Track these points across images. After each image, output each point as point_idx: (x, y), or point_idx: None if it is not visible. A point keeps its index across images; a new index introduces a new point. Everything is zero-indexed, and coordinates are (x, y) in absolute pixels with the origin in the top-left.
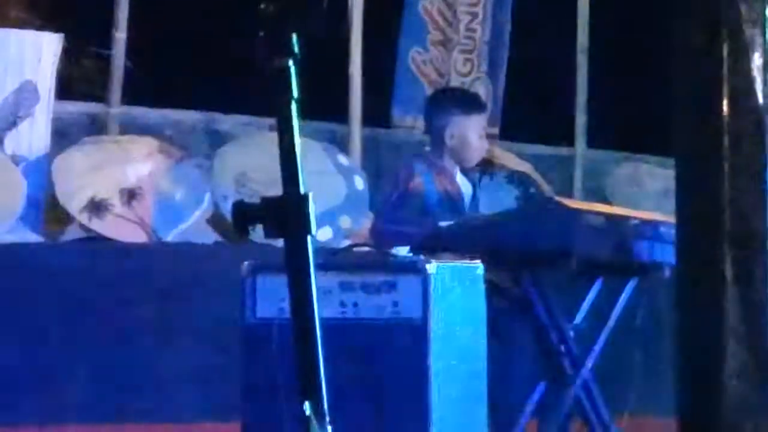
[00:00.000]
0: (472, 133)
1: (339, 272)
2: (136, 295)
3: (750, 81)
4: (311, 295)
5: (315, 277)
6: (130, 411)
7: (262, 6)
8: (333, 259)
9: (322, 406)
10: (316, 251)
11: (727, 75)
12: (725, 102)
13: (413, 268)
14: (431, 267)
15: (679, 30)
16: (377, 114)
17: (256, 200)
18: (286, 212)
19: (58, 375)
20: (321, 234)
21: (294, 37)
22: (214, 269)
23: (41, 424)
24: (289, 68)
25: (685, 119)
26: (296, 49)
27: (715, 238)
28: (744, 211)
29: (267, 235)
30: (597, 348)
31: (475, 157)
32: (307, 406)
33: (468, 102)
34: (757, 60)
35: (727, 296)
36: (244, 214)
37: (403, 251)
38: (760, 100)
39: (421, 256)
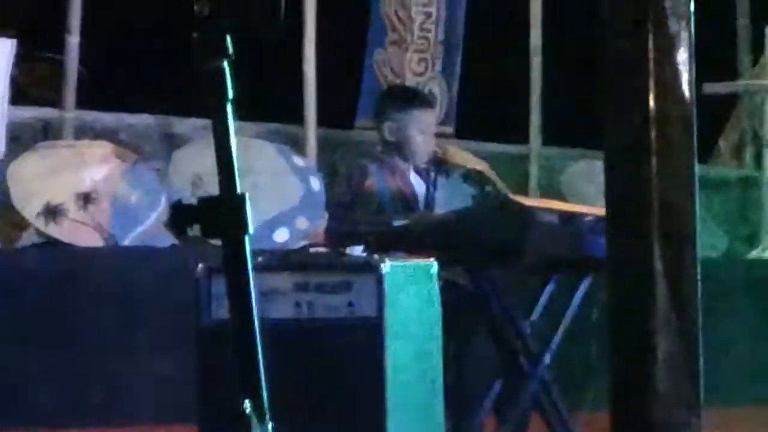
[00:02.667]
0: (413, 128)
1: (293, 273)
2: (93, 300)
3: (676, 74)
4: (250, 294)
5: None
6: (88, 414)
7: (196, 7)
8: (287, 260)
9: (263, 404)
10: (272, 252)
11: (653, 69)
12: (651, 96)
13: (367, 268)
14: (385, 266)
15: (605, 24)
16: (337, 115)
17: None
18: (223, 212)
19: (14, 379)
20: (278, 235)
21: (228, 37)
22: (171, 272)
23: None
24: (224, 69)
25: (613, 113)
26: (231, 49)
27: (644, 231)
28: (672, 204)
29: (204, 235)
30: (553, 344)
31: (420, 154)
32: (247, 404)
33: (406, 98)
34: (682, 54)
35: (657, 289)
36: (182, 214)
37: (357, 251)
38: (687, 93)
39: (375, 256)
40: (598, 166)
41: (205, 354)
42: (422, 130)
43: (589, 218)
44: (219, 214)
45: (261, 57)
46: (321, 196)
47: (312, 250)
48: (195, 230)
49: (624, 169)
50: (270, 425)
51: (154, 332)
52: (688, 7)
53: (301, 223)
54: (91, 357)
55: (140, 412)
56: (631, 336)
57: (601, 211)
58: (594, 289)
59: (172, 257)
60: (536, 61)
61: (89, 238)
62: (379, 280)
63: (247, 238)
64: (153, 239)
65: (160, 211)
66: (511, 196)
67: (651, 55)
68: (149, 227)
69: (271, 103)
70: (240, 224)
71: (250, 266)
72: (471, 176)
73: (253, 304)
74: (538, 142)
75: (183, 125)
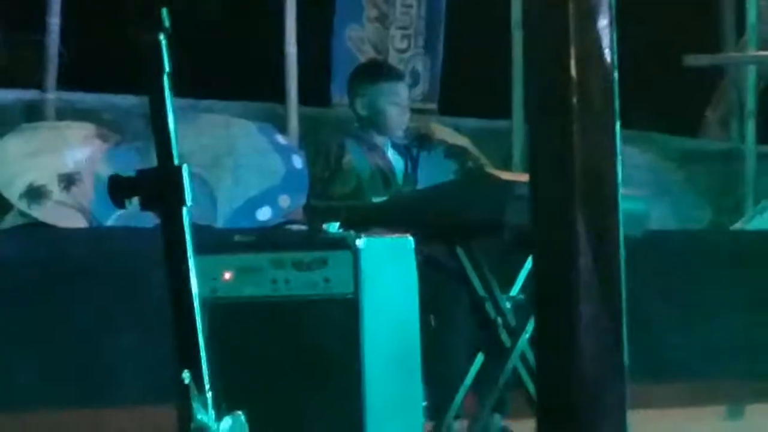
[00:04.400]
0: (383, 101)
1: (270, 250)
2: (76, 281)
3: (598, 40)
4: (187, 266)
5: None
6: (72, 396)
7: None
8: (263, 237)
9: (202, 375)
10: (247, 231)
11: (573, 36)
12: (572, 62)
13: (343, 244)
14: (361, 242)
15: None
16: (316, 93)
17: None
18: (161, 185)
19: (2, 363)
20: (260, 214)
21: (164, 11)
22: (154, 252)
23: None
24: (160, 42)
25: (535, 80)
26: (167, 23)
27: (567, 196)
28: (595, 169)
29: (143, 207)
30: (533, 319)
31: (394, 126)
32: (186, 375)
33: (374, 72)
34: (603, 19)
35: (580, 253)
36: (120, 186)
37: (333, 227)
38: (608, 58)
39: (352, 232)
40: None
41: None
42: (393, 102)
43: None
44: (157, 187)
45: (241, 35)
46: (303, 174)
47: (289, 227)
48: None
49: (546, 134)
50: (209, 395)
51: (138, 313)
52: None
53: (284, 201)
54: (75, 338)
55: (125, 392)
56: (555, 301)
57: None
58: None
59: (155, 238)
60: (518, 36)
61: (72, 220)
62: (355, 255)
63: (185, 210)
64: (136, 220)
65: None
66: (491, 170)
67: (572, 20)
68: (131, 208)
69: (252, 82)
70: (178, 196)
71: (188, 238)
72: (453, 152)
73: (192, 276)
74: (521, 117)
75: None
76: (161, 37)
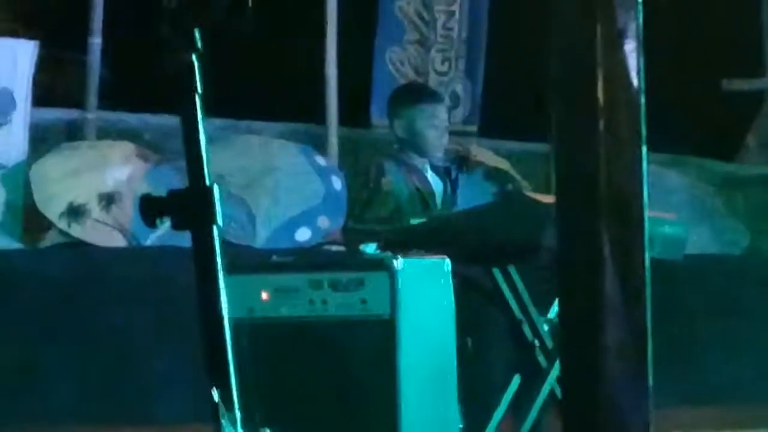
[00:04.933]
0: (421, 123)
1: (307, 270)
2: (116, 300)
3: (625, 65)
4: (218, 285)
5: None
6: (112, 413)
7: (165, 1)
8: (301, 258)
9: (231, 394)
10: (285, 251)
11: (601, 60)
12: (600, 86)
13: (380, 265)
14: (398, 263)
15: (553, 14)
16: (357, 115)
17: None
18: (193, 205)
19: (41, 379)
20: (299, 234)
21: (197, 32)
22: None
23: (26, 427)
24: (193, 63)
25: (562, 104)
26: (199, 43)
27: (593, 219)
28: (621, 193)
29: (175, 227)
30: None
31: (432, 148)
32: (215, 393)
33: (413, 94)
34: (630, 43)
35: (606, 277)
36: (152, 206)
37: (371, 249)
38: (635, 83)
39: (389, 253)
40: None
41: None
42: (432, 124)
43: None
44: (188, 207)
45: (282, 56)
46: (342, 195)
47: (327, 248)
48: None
49: (573, 159)
50: (238, 414)
51: (178, 331)
52: None
53: (323, 222)
54: (115, 357)
55: (166, 410)
56: (580, 324)
57: None
58: None
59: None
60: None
61: (112, 239)
62: (392, 277)
63: (215, 230)
64: (175, 238)
65: None
66: (529, 193)
67: (599, 45)
68: (171, 228)
69: (292, 103)
70: (209, 216)
71: (218, 257)
72: (492, 174)
73: (222, 295)
74: None
75: (206, 125)
76: (194, 57)
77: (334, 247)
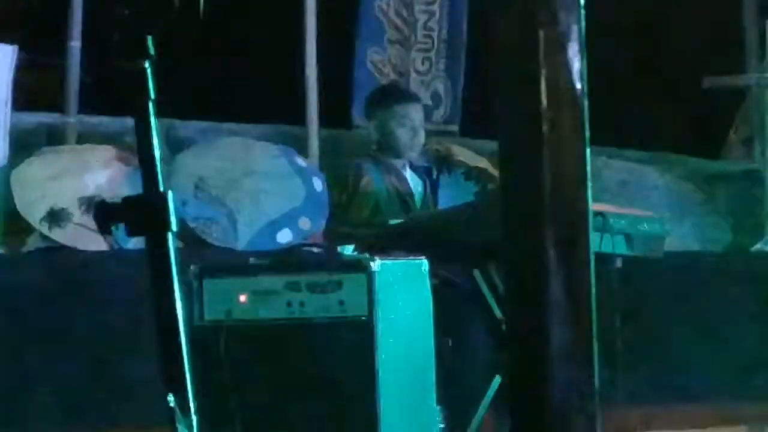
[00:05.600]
0: (394, 123)
1: (285, 273)
2: (98, 303)
3: (567, 68)
4: (173, 291)
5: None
6: (92, 417)
7: (117, 9)
8: (279, 260)
9: (187, 398)
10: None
11: (544, 63)
12: (543, 89)
13: (358, 267)
14: (375, 265)
15: (495, 17)
16: (338, 116)
17: (213, 205)
18: (147, 210)
19: (18, 382)
20: (281, 236)
21: (149, 39)
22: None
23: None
24: (145, 70)
25: (505, 107)
26: (152, 50)
27: (538, 222)
28: (565, 194)
29: (129, 233)
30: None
31: (407, 148)
32: (171, 398)
33: (386, 95)
34: (573, 46)
35: (551, 278)
36: (107, 212)
37: (348, 250)
38: (578, 85)
39: (366, 254)
40: (600, 162)
41: (198, 354)
42: (403, 124)
43: None
44: (142, 213)
45: (262, 58)
46: (324, 196)
47: (306, 249)
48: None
49: (517, 162)
50: (194, 419)
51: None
52: None
53: (304, 223)
54: (96, 360)
55: (147, 413)
56: (526, 323)
57: (596, 206)
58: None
59: (175, 260)
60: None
61: (93, 242)
62: (370, 278)
63: (170, 235)
64: None
65: None
66: None
67: (541, 48)
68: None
69: (274, 105)
70: (163, 222)
71: (173, 263)
72: (473, 174)
73: (177, 300)
74: None
75: (186, 128)
76: (146, 64)
77: (313, 249)
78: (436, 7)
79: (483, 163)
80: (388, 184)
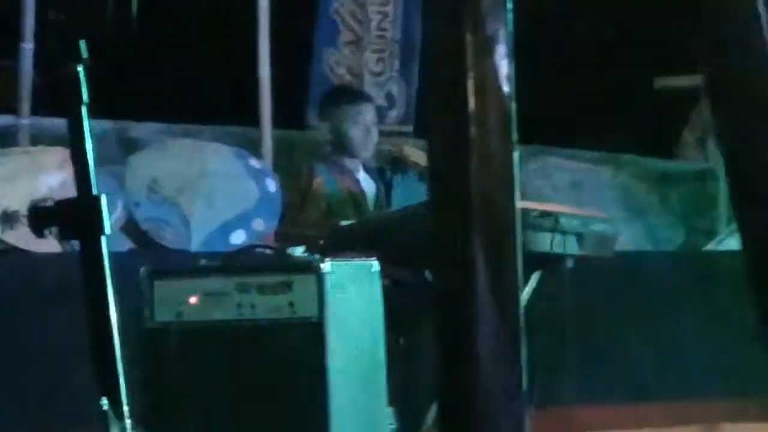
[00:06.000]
0: (346, 123)
1: (235, 274)
2: (51, 305)
3: (495, 72)
4: (107, 294)
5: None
6: (48, 420)
7: (50, 14)
8: (229, 262)
9: (121, 402)
10: (213, 255)
11: (471, 66)
12: (470, 93)
13: (308, 268)
14: (326, 266)
15: (424, 20)
16: (294, 117)
17: (166, 206)
18: (80, 214)
19: None
20: (235, 237)
21: (82, 42)
22: (128, 277)
23: None
24: (78, 73)
25: (433, 109)
26: (85, 54)
27: (465, 224)
28: (492, 197)
29: (62, 236)
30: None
31: (360, 148)
32: (105, 402)
33: (338, 95)
34: (501, 49)
35: (478, 280)
36: (40, 215)
37: (299, 251)
38: (506, 89)
39: (316, 256)
40: (552, 162)
41: (150, 356)
42: (356, 123)
43: (534, 213)
44: (75, 216)
45: (217, 59)
46: (277, 197)
47: (255, 251)
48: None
49: (445, 163)
50: (129, 422)
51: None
52: (504, 1)
53: (258, 224)
54: (49, 362)
55: (99, 416)
56: (453, 327)
57: (547, 206)
58: (542, 285)
59: (129, 262)
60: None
61: (47, 245)
62: (320, 279)
63: (103, 239)
64: (110, 244)
65: (117, 216)
66: None
67: (468, 51)
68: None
69: (228, 106)
70: (96, 225)
71: (107, 267)
72: (425, 175)
73: (111, 304)
74: None
75: (140, 129)
76: (79, 68)
77: (265, 251)
78: (389, 8)
79: None
80: (341, 185)
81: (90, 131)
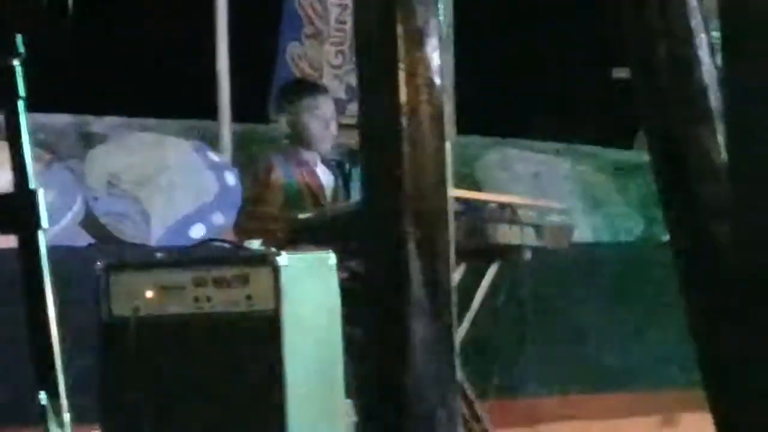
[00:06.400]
0: (305, 116)
1: (192, 268)
2: (10, 300)
3: (426, 63)
4: (45, 288)
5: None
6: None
7: None
8: (186, 255)
9: (59, 396)
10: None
11: (402, 58)
12: (401, 84)
13: (264, 261)
14: (282, 259)
15: (356, 13)
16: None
17: (125, 201)
18: (16, 208)
19: None
20: (194, 231)
21: (18, 36)
22: (88, 272)
23: None
24: (14, 67)
25: (366, 102)
26: (21, 48)
27: (397, 218)
28: (424, 188)
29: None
30: (461, 332)
31: (318, 141)
32: (43, 396)
33: (296, 88)
34: (432, 42)
35: (411, 272)
36: None
37: (255, 245)
38: (437, 80)
39: (273, 249)
40: (512, 154)
41: (106, 351)
42: (314, 115)
43: (492, 205)
44: (12, 211)
45: (178, 53)
46: (236, 191)
47: (213, 244)
48: None
49: (377, 154)
50: (67, 417)
51: (74, 332)
52: None
53: (218, 218)
54: (10, 358)
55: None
56: (387, 317)
57: (504, 197)
58: (500, 276)
59: (89, 257)
60: (448, 51)
61: (5, 240)
62: (276, 272)
63: (40, 233)
64: (70, 239)
65: (76, 211)
66: None
67: (400, 43)
68: (65, 227)
69: (190, 100)
70: (34, 220)
71: (44, 261)
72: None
73: (49, 298)
74: (453, 132)
75: (99, 124)
76: (15, 62)
77: (223, 244)
78: (348, 1)
79: None
80: (299, 178)
81: (27, 126)
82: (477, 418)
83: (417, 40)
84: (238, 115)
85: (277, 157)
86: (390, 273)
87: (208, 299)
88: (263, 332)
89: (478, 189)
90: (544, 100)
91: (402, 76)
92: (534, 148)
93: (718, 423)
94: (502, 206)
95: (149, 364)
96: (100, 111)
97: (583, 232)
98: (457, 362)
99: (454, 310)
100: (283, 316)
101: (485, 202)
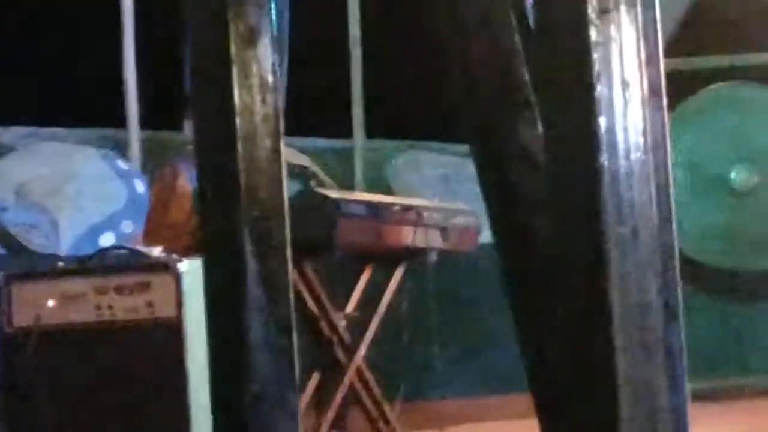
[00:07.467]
0: None
1: (93, 276)
2: None
3: (258, 63)
4: None
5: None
6: None
7: None
8: (86, 264)
9: None
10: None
11: (235, 58)
12: (235, 85)
13: (165, 267)
14: (183, 265)
15: (190, 13)
16: (169, 118)
17: (34, 211)
18: None
19: None
20: (103, 240)
21: None
22: None
23: None
24: None
25: (201, 102)
26: None
27: (234, 217)
28: (259, 190)
29: None
30: (368, 335)
31: None
32: None
33: None
34: (263, 42)
35: (248, 273)
36: None
37: (156, 251)
38: (270, 80)
39: (174, 255)
40: (422, 157)
41: (8, 361)
42: None
43: (396, 208)
44: None
45: (83, 62)
46: (146, 198)
47: (115, 252)
48: None
49: (212, 155)
50: None
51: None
52: None
53: (127, 226)
54: None
55: None
56: (226, 323)
57: (410, 200)
58: (406, 279)
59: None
60: (356, 53)
61: None
62: (177, 278)
63: None
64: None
65: None
66: (318, 189)
67: (232, 43)
68: None
69: (98, 108)
70: None
71: None
72: (296, 172)
73: None
74: (362, 136)
75: (7, 134)
76: None
77: (124, 251)
78: None
79: (305, 161)
80: None
81: None
82: (386, 421)
83: (249, 40)
84: (149, 123)
85: (184, 163)
86: (227, 272)
87: (110, 307)
88: (165, 339)
89: (390, 192)
90: (437, 103)
91: (235, 76)
92: (444, 151)
93: (538, 405)
94: (406, 208)
95: (51, 373)
96: (6, 121)
97: (490, 234)
98: (296, 363)
99: (293, 310)
100: (184, 322)
101: (389, 205)
